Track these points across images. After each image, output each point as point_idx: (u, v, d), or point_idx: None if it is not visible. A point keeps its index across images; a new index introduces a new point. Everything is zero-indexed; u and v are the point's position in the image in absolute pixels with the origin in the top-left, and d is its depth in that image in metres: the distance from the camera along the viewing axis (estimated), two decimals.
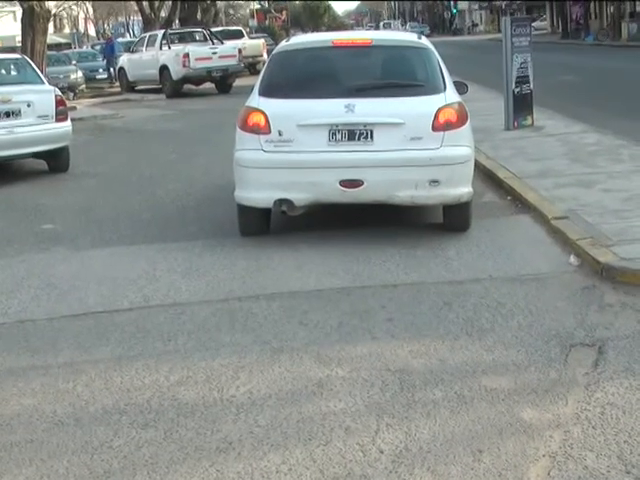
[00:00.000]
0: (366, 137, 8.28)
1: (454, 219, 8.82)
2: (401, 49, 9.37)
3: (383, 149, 8.24)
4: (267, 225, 9.05)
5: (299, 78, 8.97)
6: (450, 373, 5.32)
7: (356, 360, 5.60)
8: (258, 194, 8.47)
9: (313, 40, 10.20)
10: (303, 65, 9.10)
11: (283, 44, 9.52)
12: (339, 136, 8.30)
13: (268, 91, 8.70)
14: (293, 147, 8.35)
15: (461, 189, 8.40)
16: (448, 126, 8.31)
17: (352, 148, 8.28)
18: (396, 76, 9.12)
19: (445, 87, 8.65)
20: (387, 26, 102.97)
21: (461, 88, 9.29)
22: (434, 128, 8.26)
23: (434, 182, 8.22)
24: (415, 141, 8.23)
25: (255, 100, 8.68)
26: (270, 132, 8.39)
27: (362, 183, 8.21)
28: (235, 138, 8.82)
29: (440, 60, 8.97)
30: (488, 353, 5.61)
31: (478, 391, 5.05)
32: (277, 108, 8.49)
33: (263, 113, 8.43)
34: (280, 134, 8.36)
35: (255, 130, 8.46)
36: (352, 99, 8.35)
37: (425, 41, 9.33)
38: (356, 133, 8.28)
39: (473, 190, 8.66)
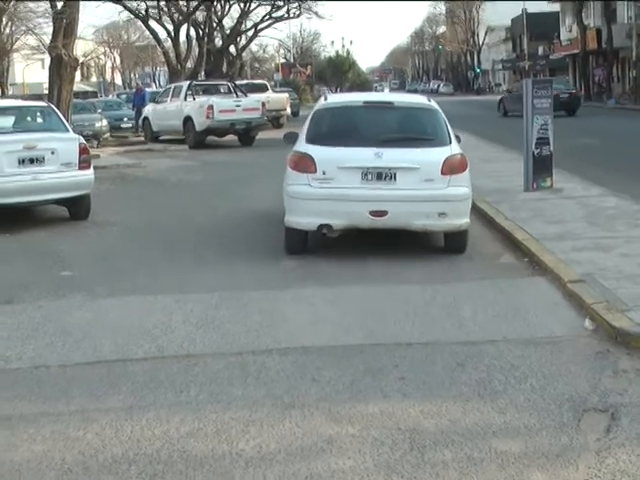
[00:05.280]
0: (390, 178, 10.36)
1: (454, 243, 10.81)
2: (416, 110, 11.59)
3: (403, 187, 10.31)
4: (306, 245, 10.98)
5: (338, 130, 11.08)
6: (461, 434, 5.30)
7: (367, 418, 5.59)
8: (305, 219, 10.52)
9: (347, 100, 12.92)
10: (341, 119, 11.25)
11: (322, 102, 11.84)
12: (370, 177, 10.37)
13: (314, 139, 10.80)
14: (334, 184, 10.39)
15: (462, 220, 10.51)
16: (453, 171, 10.42)
17: (379, 186, 10.35)
18: (413, 131, 11.23)
19: (450, 141, 10.81)
20: (381, 89, 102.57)
21: (457, 139, 11.19)
22: (442, 173, 10.37)
23: (442, 214, 10.33)
24: (428, 182, 10.33)
25: (303, 146, 10.76)
26: (316, 172, 10.43)
27: (387, 213, 10.29)
28: (285, 175, 10.87)
29: (446, 119, 11.13)
30: (500, 415, 5.59)
31: (488, 453, 5.03)
32: (322, 153, 10.51)
33: (311, 157, 10.48)
34: (324, 173, 10.41)
35: (304, 170, 10.51)
36: (380, 148, 10.40)
37: (434, 103, 11.49)
38: (383, 175, 10.36)
39: (470, 221, 10.73)
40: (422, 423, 5.50)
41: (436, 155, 10.49)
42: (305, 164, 10.50)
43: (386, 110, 11.40)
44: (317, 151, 10.54)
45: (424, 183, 10.31)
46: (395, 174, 10.33)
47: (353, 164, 10.36)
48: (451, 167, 10.40)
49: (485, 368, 6.50)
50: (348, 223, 10.45)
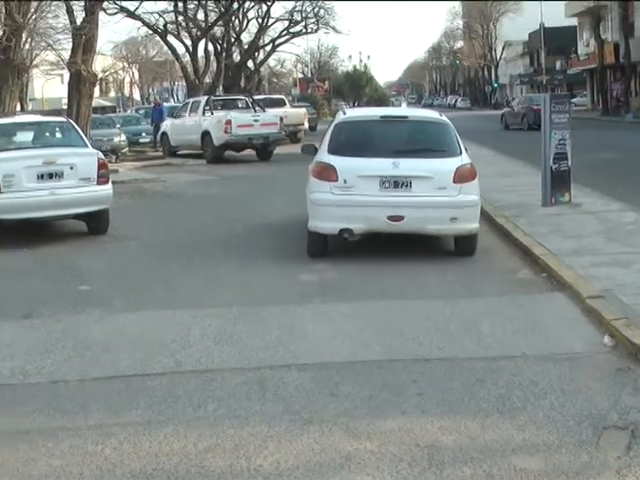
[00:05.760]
0: (406, 186, 11.07)
1: (464, 247, 11.51)
2: (429, 123, 12.40)
3: (418, 194, 11.03)
4: (326, 248, 11.56)
5: (357, 142, 11.71)
6: (480, 451, 5.27)
7: (385, 434, 5.57)
8: (327, 224, 11.22)
9: (365, 114, 13.70)
10: (360, 132, 11.91)
11: (342, 116, 12.53)
12: (387, 184, 11.08)
13: (335, 150, 11.46)
14: (354, 191, 11.10)
15: (472, 224, 11.26)
16: (463, 180, 11.16)
17: (396, 193, 11.05)
18: (427, 143, 11.89)
19: (461, 152, 11.52)
20: (398, 104, 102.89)
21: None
22: (454, 181, 11.09)
23: (453, 219, 11.06)
24: (441, 190, 11.07)
25: (325, 157, 11.46)
26: (338, 180, 11.13)
27: (403, 218, 10.98)
28: (309, 184, 11.63)
29: (456, 132, 11.84)
30: (519, 432, 5.56)
31: (507, 470, 5.00)
32: (343, 163, 11.20)
33: (333, 167, 11.19)
34: (345, 182, 11.11)
35: (326, 178, 11.23)
36: (397, 158, 11.12)
37: (445, 118, 12.31)
38: (399, 183, 11.07)
39: (479, 226, 11.48)
40: (441, 439, 5.47)
41: (448, 165, 11.24)
42: (327, 173, 11.24)
43: (401, 123, 12.16)
44: (338, 161, 11.25)
45: (437, 191, 11.05)
46: (411, 182, 11.05)
47: (372, 173, 11.09)
48: (462, 176, 11.15)
49: (504, 384, 6.47)
50: (367, 227, 11.19)
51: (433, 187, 11.06)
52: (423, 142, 11.91)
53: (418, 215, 11.01)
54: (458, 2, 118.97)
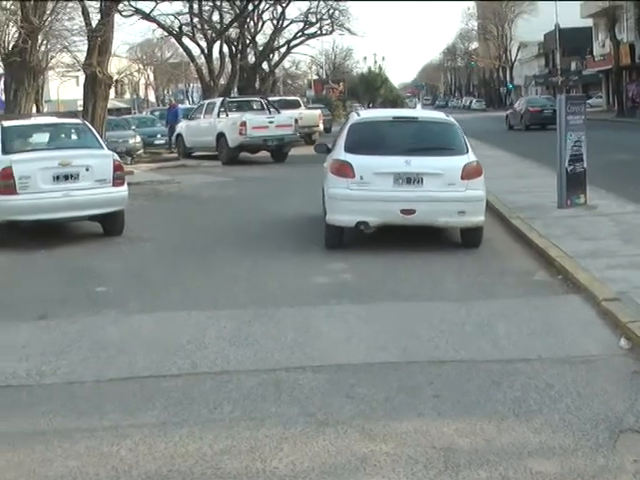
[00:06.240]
0: (418, 182, 11.85)
1: (470, 239, 12.31)
2: (437, 124, 13.27)
3: (429, 190, 11.80)
4: (342, 240, 12.37)
5: (372, 141, 12.49)
6: (496, 454, 5.26)
7: (401, 436, 5.56)
8: (345, 217, 12.03)
9: (379, 115, 15.15)
10: (374, 132, 12.70)
11: (356, 117, 13.41)
12: (400, 181, 11.86)
13: (351, 149, 12.24)
14: (370, 187, 11.88)
15: (478, 217, 12.04)
16: (470, 176, 11.96)
17: (409, 189, 11.83)
18: (436, 142, 12.64)
19: (467, 150, 12.35)
20: (412, 105, 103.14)
21: None
22: (462, 177, 11.89)
23: (461, 212, 11.84)
24: (450, 185, 11.85)
25: (342, 155, 12.23)
26: (354, 177, 11.92)
27: (415, 211, 11.76)
28: (327, 180, 12.51)
29: (462, 131, 12.69)
30: (535, 435, 5.54)
31: (523, 474, 4.98)
32: (359, 161, 12.00)
33: (350, 164, 11.98)
34: (361, 178, 11.90)
35: (344, 175, 12.02)
36: (409, 157, 11.90)
37: (452, 119, 13.17)
38: (412, 179, 11.86)
39: (485, 218, 12.28)
40: (457, 442, 5.46)
41: (456, 162, 12.03)
42: (345, 170, 12.03)
43: (412, 124, 13.11)
44: (355, 159, 12.04)
45: (446, 186, 11.85)
46: (422, 178, 11.85)
47: (386, 170, 11.87)
48: (469, 173, 11.98)
49: (520, 387, 6.45)
50: (382, 220, 11.97)
51: (443, 183, 11.84)
52: (432, 141, 12.66)
53: (429, 209, 11.79)
54: (473, 3, 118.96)
